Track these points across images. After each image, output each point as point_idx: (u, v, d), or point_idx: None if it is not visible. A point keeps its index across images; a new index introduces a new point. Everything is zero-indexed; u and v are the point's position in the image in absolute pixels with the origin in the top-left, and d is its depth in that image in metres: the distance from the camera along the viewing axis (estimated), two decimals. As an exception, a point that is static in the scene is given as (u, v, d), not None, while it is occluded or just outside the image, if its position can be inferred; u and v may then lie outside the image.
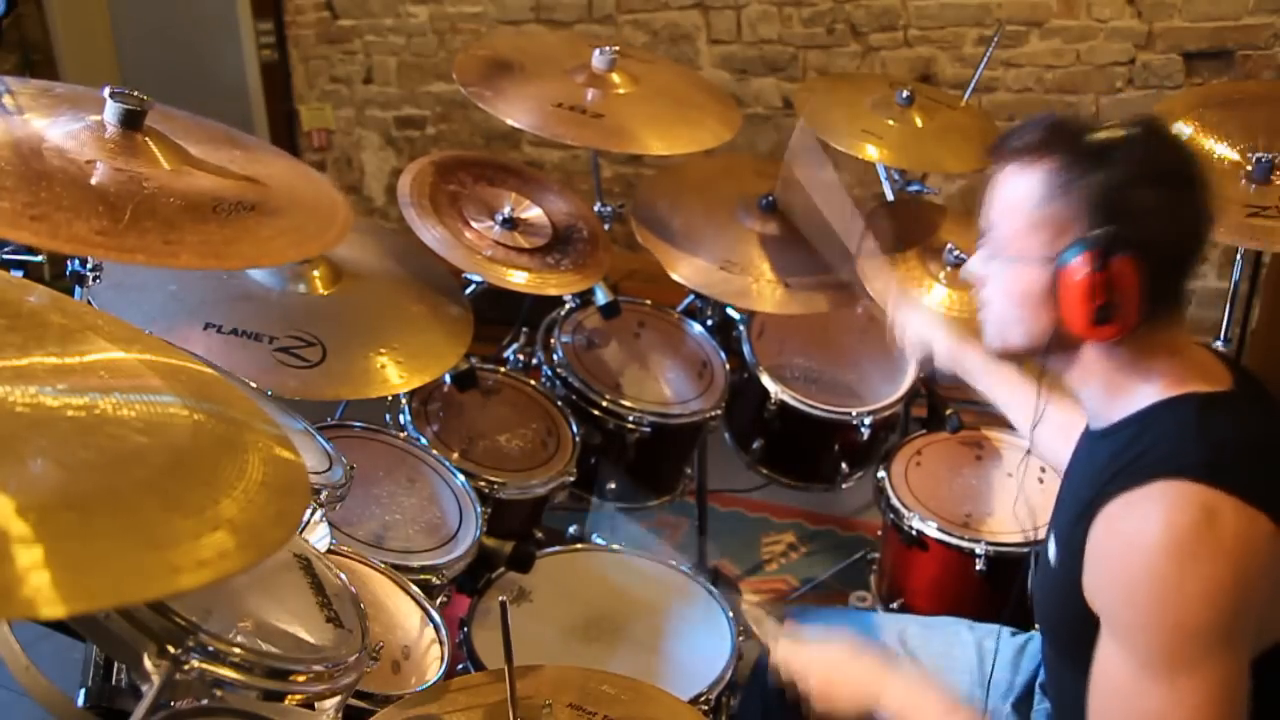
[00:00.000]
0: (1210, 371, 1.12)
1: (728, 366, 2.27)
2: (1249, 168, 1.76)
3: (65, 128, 1.20)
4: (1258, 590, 0.97)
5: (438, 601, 1.57)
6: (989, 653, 1.47)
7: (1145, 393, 1.10)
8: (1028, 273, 1.11)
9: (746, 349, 2.24)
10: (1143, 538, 0.98)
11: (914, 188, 2.47)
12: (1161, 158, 1.08)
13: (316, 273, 1.69)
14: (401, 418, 1.89)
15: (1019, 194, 1.12)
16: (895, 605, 2.06)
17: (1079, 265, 1.05)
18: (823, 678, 1.26)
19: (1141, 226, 1.04)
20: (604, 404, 2.06)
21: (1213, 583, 0.96)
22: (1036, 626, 1.57)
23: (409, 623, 1.49)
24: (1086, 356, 1.13)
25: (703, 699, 1.51)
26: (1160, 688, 0.97)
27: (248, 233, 1.20)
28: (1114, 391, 1.12)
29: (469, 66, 2.12)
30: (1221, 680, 0.96)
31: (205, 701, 0.93)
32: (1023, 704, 1.42)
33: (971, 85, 2.54)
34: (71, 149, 1.17)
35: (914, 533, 1.94)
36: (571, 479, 1.97)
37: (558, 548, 1.82)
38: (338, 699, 1.08)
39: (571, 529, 2.17)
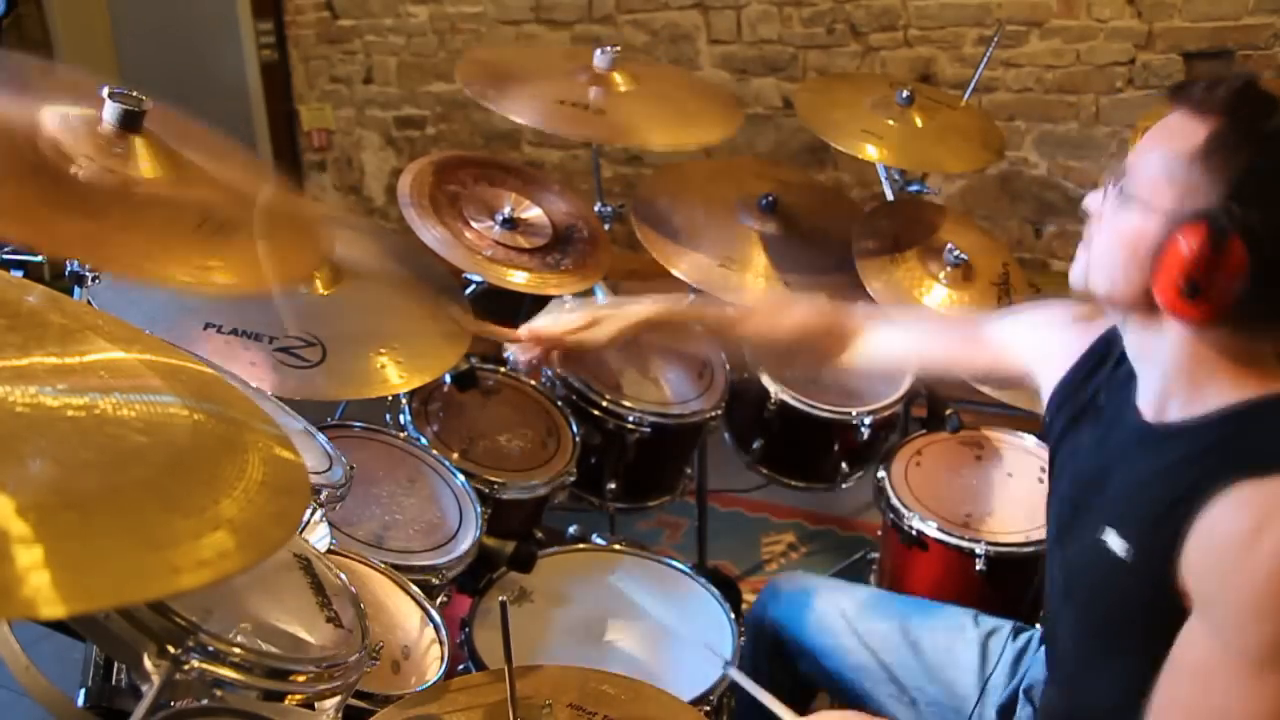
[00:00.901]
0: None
1: (728, 366, 2.27)
2: (1249, 167, 1.76)
3: (60, 122, 1.19)
4: None
5: (438, 601, 1.57)
6: (993, 652, 1.46)
7: (1229, 391, 1.05)
8: (1146, 221, 1.04)
9: (746, 349, 2.24)
10: (1274, 534, 0.95)
11: (914, 188, 2.47)
12: None
13: (316, 273, 1.68)
14: (401, 418, 1.89)
15: (1174, 141, 1.04)
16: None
17: (1192, 234, 0.99)
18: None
19: (1270, 220, 0.98)
20: (604, 404, 2.06)
21: None
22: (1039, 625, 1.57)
23: (409, 623, 1.49)
24: (1172, 334, 1.07)
25: (703, 699, 1.51)
26: (1253, 680, 0.95)
27: (235, 253, 1.18)
28: (1193, 382, 1.07)
29: (471, 70, 2.14)
30: None
31: (205, 701, 0.93)
32: (1007, 709, 1.42)
33: (971, 85, 2.54)
34: (65, 144, 1.16)
35: (914, 533, 1.94)
36: (571, 479, 1.97)
37: (558, 548, 1.82)
38: (338, 699, 1.08)
39: (572, 529, 2.17)
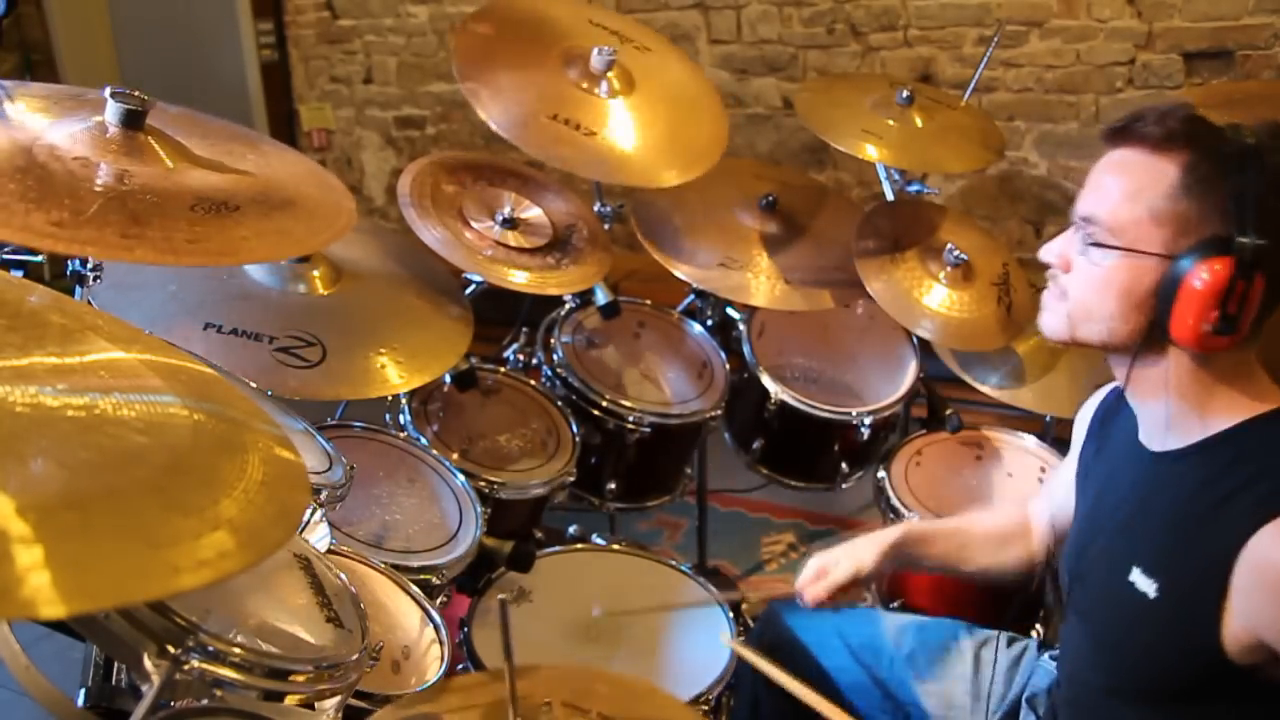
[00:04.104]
0: (1270, 385, 1.08)
1: (728, 366, 2.27)
2: (1249, 168, 1.76)
3: (67, 128, 1.20)
4: None
5: (438, 601, 1.57)
6: (986, 663, 1.46)
7: (1230, 409, 1.06)
8: (1135, 266, 1.04)
9: (746, 349, 2.24)
10: None
11: (914, 188, 2.47)
12: None
13: (316, 273, 1.68)
14: (401, 418, 1.89)
15: (1144, 182, 1.04)
16: (895, 605, 2.05)
17: (1212, 269, 0.99)
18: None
19: (1276, 240, 0.98)
20: (604, 404, 2.06)
21: None
22: (1035, 633, 1.57)
23: (409, 623, 1.49)
24: (1171, 366, 1.07)
25: (703, 699, 1.51)
26: None
27: (221, 231, 1.18)
28: (1200, 407, 1.07)
29: (469, 45, 2.03)
30: None
31: (205, 701, 0.93)
32: (1009, 718, 1.42)
33: (971, 85, 2.54)
34: (67, 148, 1.16)
35: (914, 533, 1.94)
36: (571, 479, 1.97)
37: (558, 548, 1.82)
38: (338, 699, 1.08)
39: (571, 529, 2.17)
